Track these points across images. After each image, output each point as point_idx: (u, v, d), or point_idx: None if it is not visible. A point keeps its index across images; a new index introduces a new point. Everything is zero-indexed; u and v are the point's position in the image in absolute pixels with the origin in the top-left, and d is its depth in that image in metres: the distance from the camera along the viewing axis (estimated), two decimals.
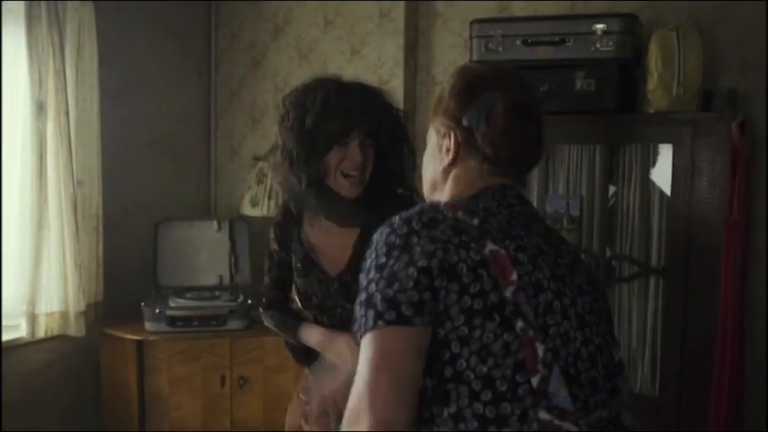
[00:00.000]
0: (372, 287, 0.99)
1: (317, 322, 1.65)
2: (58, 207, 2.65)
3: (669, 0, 2.50)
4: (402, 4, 3.00)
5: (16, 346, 2.67)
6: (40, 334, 2.71)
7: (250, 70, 3.41)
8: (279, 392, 2.79)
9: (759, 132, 2.34)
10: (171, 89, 3.31)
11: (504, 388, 0.95)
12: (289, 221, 1.68)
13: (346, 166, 1.51)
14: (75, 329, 2.75)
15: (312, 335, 1.62)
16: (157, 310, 2.79)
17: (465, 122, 1.11)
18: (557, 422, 0.95)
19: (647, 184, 2.38)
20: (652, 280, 2.35)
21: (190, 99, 3.43)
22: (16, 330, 2.69)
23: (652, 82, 2.27)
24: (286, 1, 3.26)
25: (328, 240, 1.62)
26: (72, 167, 2.70)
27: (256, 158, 3.22)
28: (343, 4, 3.14)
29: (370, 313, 0.98)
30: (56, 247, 2.66)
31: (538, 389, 0.95)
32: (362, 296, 1.01)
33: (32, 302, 2.66)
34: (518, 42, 2.42)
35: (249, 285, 3.02)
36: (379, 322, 0.96)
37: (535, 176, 2.50)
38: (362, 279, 1.03)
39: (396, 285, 0.97)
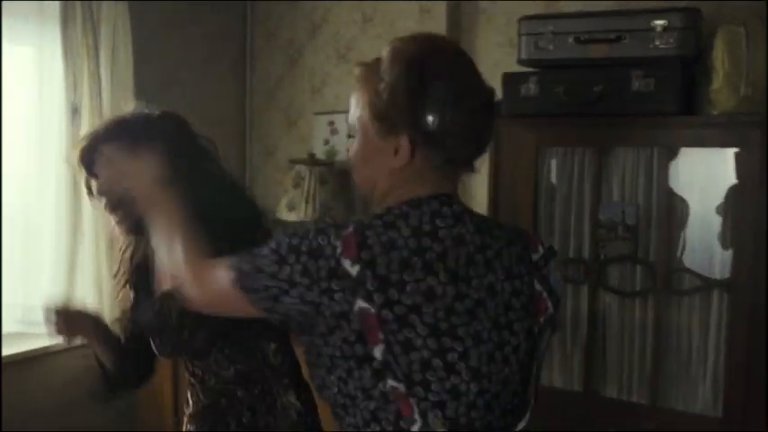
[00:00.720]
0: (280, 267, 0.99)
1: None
2: (93, 214, 2.60)
3: None
4: (444, 1, 2.88)
5: (52, 353, 2.63)
6: (77, 341, 2.66)
7: (287, 69, 3.33)
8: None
9: None
10: (206, 90, 3.25)
11: (390, 429, 0.96)
12: None
13: None
14: None
15: None
16: None
17: (426, 125, 0.99)
18: None
19: (710, 191, 2.22)
20: (715, 293, 2.20)
21: (225, 100, 3.37)
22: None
23: (717, 81, 2.12)
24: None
25: None
26: None
27: (292, 161, 3.13)
28: (381, 1, 3.03)
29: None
30: (90, 254, 2.62)
31: None
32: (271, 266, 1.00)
33: None
34: (570, 40, 2.30)
35: None
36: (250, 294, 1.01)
37: (587, 182, 2.36)
38: (280, 248, 1.00)
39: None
